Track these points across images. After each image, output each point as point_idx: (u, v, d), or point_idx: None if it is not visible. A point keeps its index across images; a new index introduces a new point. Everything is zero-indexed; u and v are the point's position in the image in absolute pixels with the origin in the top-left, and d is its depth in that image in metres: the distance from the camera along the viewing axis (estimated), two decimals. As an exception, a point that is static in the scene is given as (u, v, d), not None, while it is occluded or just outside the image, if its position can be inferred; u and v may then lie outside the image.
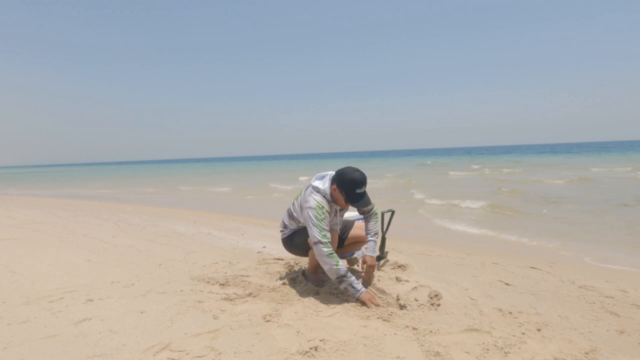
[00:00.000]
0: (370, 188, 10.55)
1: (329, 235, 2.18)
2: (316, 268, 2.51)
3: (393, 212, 3.25)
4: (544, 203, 7.26)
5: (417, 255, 3.52)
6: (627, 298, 2.37)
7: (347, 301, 2.21)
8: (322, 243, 2.14)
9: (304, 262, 3.12)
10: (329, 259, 2.13)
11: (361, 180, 2.20)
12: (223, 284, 2.55)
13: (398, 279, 2.57)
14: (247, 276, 2.73)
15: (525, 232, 4.86)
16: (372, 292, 2.35)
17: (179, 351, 1.65)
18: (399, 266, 3.04)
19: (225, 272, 2.87)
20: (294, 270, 2.83)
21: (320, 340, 1.71)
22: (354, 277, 2.18)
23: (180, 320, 1.96)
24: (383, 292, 2.39)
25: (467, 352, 1.65)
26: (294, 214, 2.43)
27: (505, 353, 1.64)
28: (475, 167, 21.31)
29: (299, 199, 2.39)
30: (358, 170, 2.23)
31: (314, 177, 2.39)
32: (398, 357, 1.61)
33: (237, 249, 3.77)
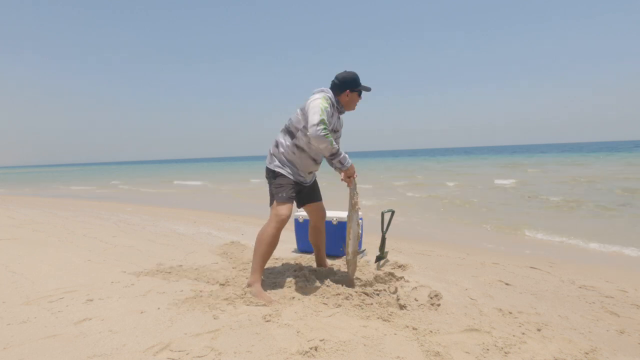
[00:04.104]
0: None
1: (325, 120, 2.27)
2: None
3: (393, 212, 3.25)
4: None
5: (417, 255, 3.52)
6: (627, 298, 2.37)
7: (347, 300, 2.22)
8: (318, 126, 2.24)
9: (304, 261, 3.12)
10: (326, 139, 2.26)
11: (357, 75, 2.49)
12: (223, 284, 2.55)
13: (398, 279, 2.57)
14: (247, 277, 2.72)
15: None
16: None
17: (179, 351, 1.65)
18: (399, 266, 3.04)
19: (225, 272, 2.87)
20: (294, 270, 2.83)
21: (320, 340, 1.71)
22: (344, 154, 2.39)
23: (180, 320, 1.96)
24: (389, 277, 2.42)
25: (467, 352, 1.65)
26: (293, 123, 2.45)
27: (505, 353, 1.64)
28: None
29: (300, 108, 2.45)
30: (347, 70, 2.49)
31: (315, 90, 2.50)
32: (398, 357, 1.61)
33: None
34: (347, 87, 2.45)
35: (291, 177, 2.47)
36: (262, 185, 13.47)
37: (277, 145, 2.51)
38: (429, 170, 20.21)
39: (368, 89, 2.54)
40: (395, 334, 1.81)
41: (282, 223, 2.36)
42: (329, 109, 2.36)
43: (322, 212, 2.75)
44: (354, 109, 2.57)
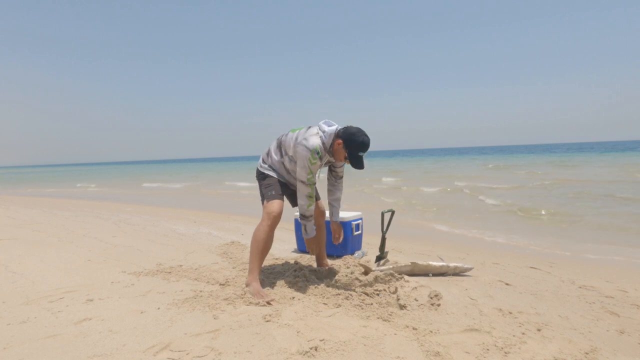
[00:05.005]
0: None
1: (313, 179, 2.39)
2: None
3: (393, 212, 3.25)
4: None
5: (417, 255, 3.52)
6: (627, 298, 2.37)
7: (347, 300, 2.22)
8: (305, 183, 2.36)
9: (304, 261, 3.12)
10: (307, 199, 2.41)
11: (367, 146, 2.33)
12: (223, 284, 2.55)
13: (398, 279, 2.57)
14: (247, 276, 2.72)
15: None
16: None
17: (179, 351, 1.65)
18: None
19: (225, 272, 2.87)
20: (294, 270, 2.83)
21: (320, 340, 1.71)
22: (313, 223, 2.52)
23: (180, 320, 1.96)
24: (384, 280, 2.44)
25: (467, 352, 1.65)
26: (285, 144, 2.47)
27: (505, 353, 1.64)
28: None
29: (297, 132, 2.44)
30: (367, 135, 2.34)
31: (322, 121, 2.44)
32: (398, 357, 1.61)
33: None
34: (341, 138, 2.33)
35: (278, 177, 2.55)
36: (235, 189, 13.61)
37: (268, 153, 2.59)
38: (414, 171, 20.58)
39: (356, 164, 2.33)
40: (395, 334, 1.81)
41: (274, 220, 2.39)
42: (316, 163, 2.32)
43: (321, 209, 2.78)
44: (339, 160, 2.42)
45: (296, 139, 2.39)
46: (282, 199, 2.50)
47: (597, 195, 8.02)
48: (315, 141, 2.31)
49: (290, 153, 2.43)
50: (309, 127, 2.44)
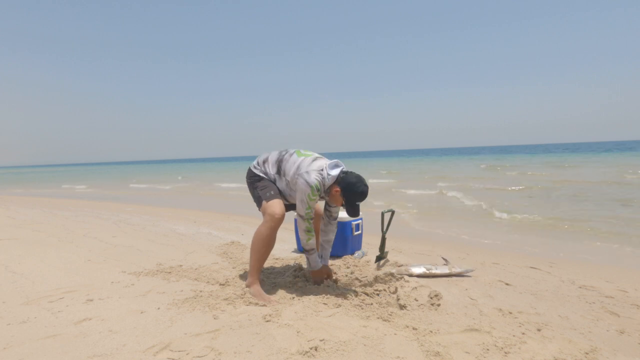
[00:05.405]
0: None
1: (312, 213, 2.36)
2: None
3: (393, 212, 3.25)
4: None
5: (417, 255, 3.52)
6: (627, 298, 2.37)
7: (347, 300, 2.22)
8: (303, 218, 2.35)
9: (304, 261, 3.12)
10: (305, 234, 2.39)
11: (365, 196, 2.30)
12: (223, 284, 2.55)
13: (398, 279, 2.57)
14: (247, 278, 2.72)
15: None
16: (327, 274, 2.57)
17: (179, 351, 1.65)
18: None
19: (225, 272, 2.87)
20: (294, 270, 2.83)
21: (320, 340, 1.71)
22: (316, 255, 2.48)
23: (180, 320, 1.96)
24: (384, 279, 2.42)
25: (467, 352, 1.65)
26: (285, 164, 2.41)
27: (505, 353, 1.64)
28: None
29: (302, 159, 2.37)
30: (366, 185, 2.30)
31: (333, 162, 2.38)
32: (398, 357, 1.61)
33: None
34: (340, 186, 2.28)
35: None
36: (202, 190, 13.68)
37: (265, 161, 2.52)
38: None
39: (352, 213, 2.30)
40: (395, 334, 1.81)
41: (277, 222, 2.31)
42: (315, 199, 2.30)
43: (318, 212, 2.75)
44: (336, 205, 2.41)
45: (298, 168, 2.33)
46: (281, 199, 2.44)
47: (595, 196, 8.03)
48: (316, 177, 2.26)
49: (288, 178, 2.38)
50: (315, 159, 2.37)
